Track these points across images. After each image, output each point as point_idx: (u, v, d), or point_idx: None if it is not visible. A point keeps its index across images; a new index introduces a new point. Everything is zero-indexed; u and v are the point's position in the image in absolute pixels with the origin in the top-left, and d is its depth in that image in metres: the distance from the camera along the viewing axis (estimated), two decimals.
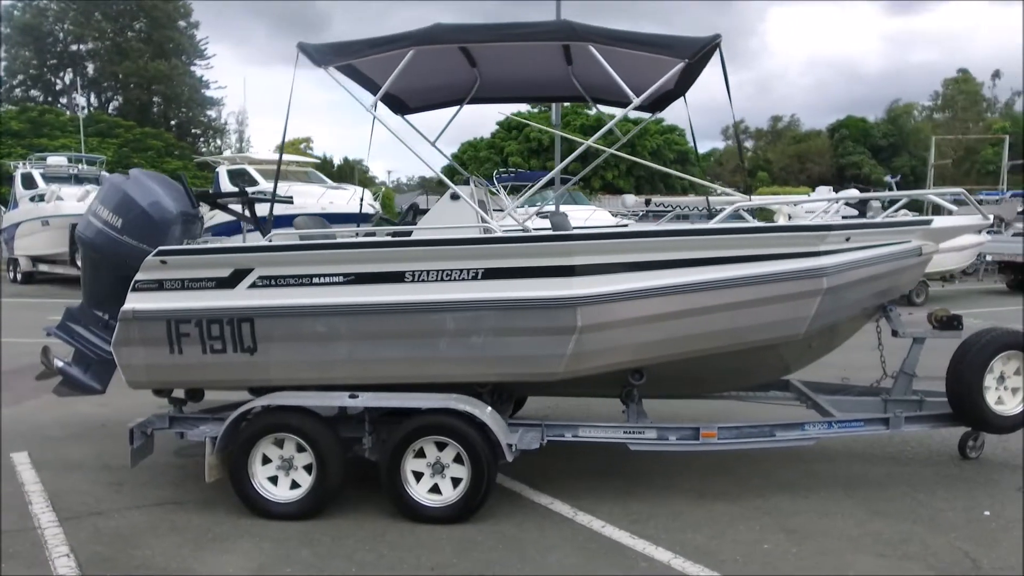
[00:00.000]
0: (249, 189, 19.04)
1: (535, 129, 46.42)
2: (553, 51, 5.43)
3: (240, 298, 4.46)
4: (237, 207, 5.95)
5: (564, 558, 3.95)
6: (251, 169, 19.49)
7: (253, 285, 4.46)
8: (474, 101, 6.39)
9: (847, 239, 4.53)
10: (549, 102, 6.79)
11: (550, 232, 4.55)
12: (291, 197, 8.74)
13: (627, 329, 4.36)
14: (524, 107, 50.41)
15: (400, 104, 6.40)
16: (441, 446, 4.38)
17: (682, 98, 5.94)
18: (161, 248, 4.55)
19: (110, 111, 42.84)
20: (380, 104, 6.21)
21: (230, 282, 4.48)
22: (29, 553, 4.04)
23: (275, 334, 4.44)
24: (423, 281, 4.37)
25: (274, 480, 4.49)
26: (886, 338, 5.26)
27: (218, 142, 51.40)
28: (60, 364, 5.49)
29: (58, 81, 44.68)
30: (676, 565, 3.85)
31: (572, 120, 47.06)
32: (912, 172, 43.41)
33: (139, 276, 4.54)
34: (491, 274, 4.33)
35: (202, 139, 48.83)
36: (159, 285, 4.53)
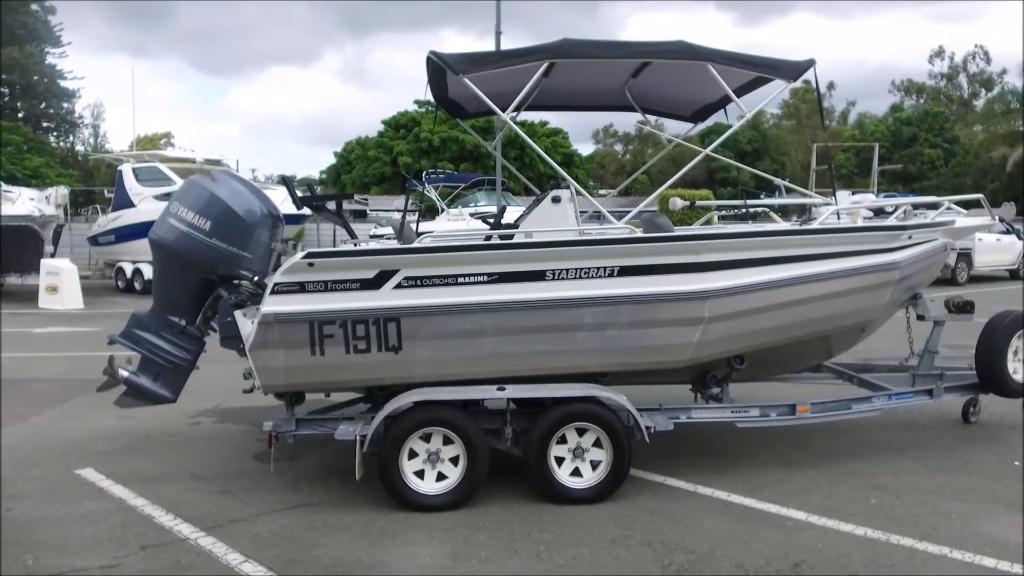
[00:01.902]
0: (168, 190, 18.14)
1: (425, 129, 46.41)
2: (623, 67, 5.90)
3: (386, 298, 4.58)
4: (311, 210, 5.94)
5: (718, 523, 4.42)
6: (164, 168, 18.46)
7: (399, 286, 4.60)
8: (530, 108, 6.71)
9: (909, 237, 5.31)
10: (599, 111, 7.21)
11: (683, 233, 5.00)
12: (366, 199, 8.64)
13: (744, 319, 4.90)
14: (411, 106, 50.33)
15: (459, 109, 6.62)
16: (581, 432, 4.73)
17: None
18: (310, 251, 4.58)
19: None
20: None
21: (375, 283, 4.59)
22: (201, 563, 4.00)
23: (421, 332, 4.61)
24: (563, 279, 4.70)
25: (420, 474, 4.66)
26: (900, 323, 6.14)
27: (71, 137, 47.52)
28: (126, 374, 5.33)
29: None
30: (815, 522, 4.43)
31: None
32: (775, 174, 47.31)
33: (279, 279, 4.55)
34: (626, 271, 4.73)
35: (55, 133, 44.98)
36: (301, 287, 4.56)
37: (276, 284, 4.56)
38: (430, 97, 6.23)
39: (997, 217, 5.91)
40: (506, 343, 4.69)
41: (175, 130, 69.28)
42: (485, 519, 4.50)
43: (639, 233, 4.85)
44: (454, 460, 4.67)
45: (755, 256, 4.87)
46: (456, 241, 4.99)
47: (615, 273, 4.72)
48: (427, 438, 4.65)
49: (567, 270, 4.69)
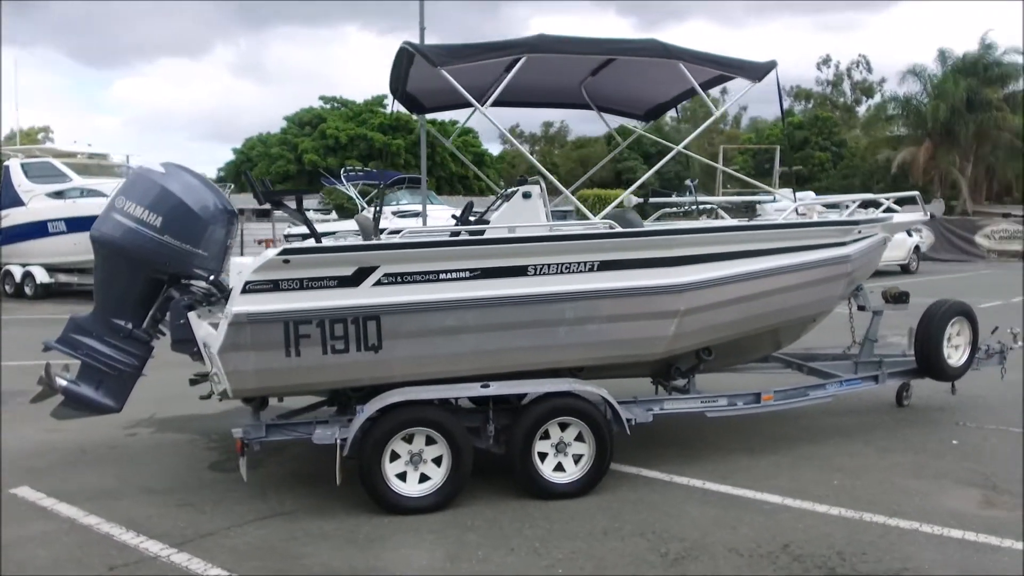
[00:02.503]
0: (64, 187, 16.91)
1: (331, 126, 45.36)
2: (583, 65, 5.95)
3: (365, 296, 4.43)
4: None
5: (701, 510, 4.53)
6: (58, 163, 17.18)
7: (378, 283, 4.45)
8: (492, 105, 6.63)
9: (859, 232, 5.61)
10: (554, 108, 7.21)
11: (661, 227, 5.07)
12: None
13: (716, 311, 5.04)
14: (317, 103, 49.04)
15: (417, 104, 6.48)
16: (563, 427, 4.73)
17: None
18: (286, 248, 4.36)
19: None
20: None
21: (354, 280, 4.43)
22: None
23: (402, 330, 4.48)
24: (544, 274, 4.68)
25: (402, 476, 4.53)
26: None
27: None
28: (64, 383, 4.97)
29: None
30: (791, 504, 4.60)
31: (369, 118, 46.69)
32: (676, 176, 49.01)
33: (251, 277, 4.31)
34: (605, 266, 4.76)
35: None
36: (274, 286, 4.34)
37: (248, 282, 4.32)
38: (384, 92, 6.09)
39: (930, 213, 6.33)
40: (488, 340, 4.63)
41: (53, 124, 64.63)
42: (472, 519, 4.43)
43: (618, 228, 4.89)
44: (437, 460, 4.57)
45: (726, 250, 5.02)
46: (436, 237, 4.88)
47: (595, 268, 4.75)
48: (409, 439, 4.53)
49: (549, 265, 4.68)
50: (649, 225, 5.56)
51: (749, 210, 7.54)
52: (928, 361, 6.07)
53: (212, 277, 5.02)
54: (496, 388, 4.62)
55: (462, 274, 4.56)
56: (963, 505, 4.57)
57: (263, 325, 4.31)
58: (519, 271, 4.65)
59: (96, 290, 5.20)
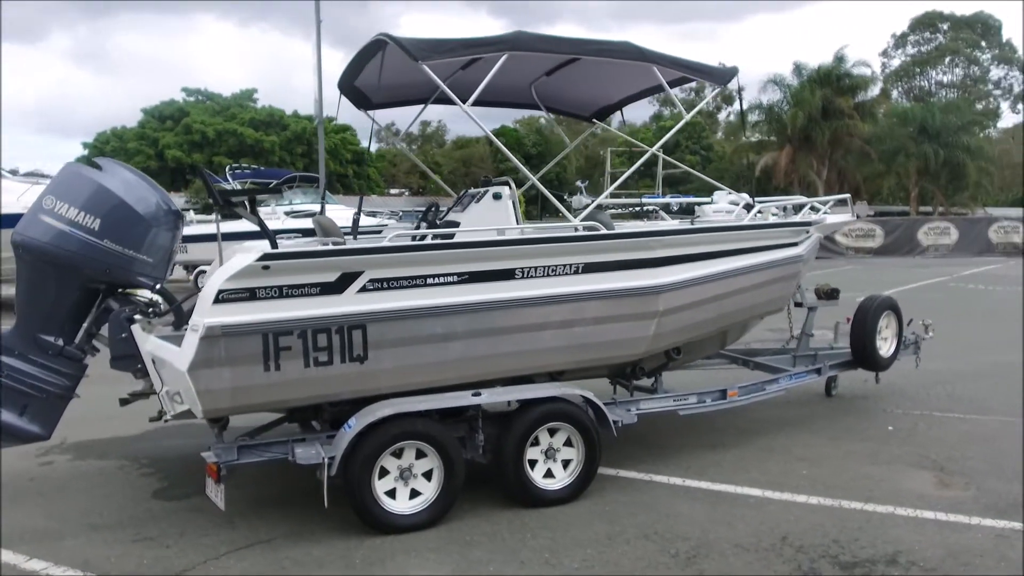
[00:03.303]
0: None
1: (196, 120, 42.81)
2: (539, 65, 5.89)
3: (350, 303, 4.15)
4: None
5: (691, 508, 4.58)
6: None
7: (363, 289, 4.18)
8: (437, 101, 6.44)
9: (807, 232, 5.88)
10: (504, 107, 7.05)
11: (642, 229, 5.07)
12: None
13: (690, 311, 5.12)
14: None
15: (363, 99, 6.18)
16: (552, 432, 4.65)
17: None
18: (266, 252, 3.99)
19: None
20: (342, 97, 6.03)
21: (337, 287, 4.14)
22: None
23: (388, 339, 4.23)
24: (532, 277, 4.58)
25: (391, 493, 4.28)
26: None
27: None
28: None
29: None
30: (772, 496, 4.75)
31: (239, 113, 44.50)
32: (556, 177, 50.05)
33: (225, 285, 3.92)
34: (589, 268, 4.72)
35: None
36: (251, 294, 3.97)
37: (221, 291, 3.92)
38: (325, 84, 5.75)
39: (856, 214, 6.75)
40: (475, 346, 4.46)
41: None
42: (470, 533, 4.25)
43: (604, 230, 4.85)
44: (427, 475, 4.35)
45: (700, 251, 5.11)
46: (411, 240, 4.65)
47: (580, 270, 4.70)
48: (398, 453, 4.29)
49: (535, 268, 4.58)
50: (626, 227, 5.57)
51: (688, 212, 7.79)
52: (864, 353, 6.48)
53: (157, 286, 4.55)
54: (488, 396, 4.46)
55: (450, 278, 4.38)
56: (922, 487, 4.89)
57: (239, 338, 3.94)
58: (507, 274, 4.52)
59: (18, 302, 4.57)
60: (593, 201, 5.67)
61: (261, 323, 3.97)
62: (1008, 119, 55.49)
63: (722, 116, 59.19)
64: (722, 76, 5.48)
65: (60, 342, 4.50)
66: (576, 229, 4.87)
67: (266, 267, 3.96)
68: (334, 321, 4.10)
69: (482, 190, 5.39)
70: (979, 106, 47.78)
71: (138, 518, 4.53)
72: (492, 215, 5.22)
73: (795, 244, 5.69)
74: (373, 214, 19.96)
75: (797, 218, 6.08)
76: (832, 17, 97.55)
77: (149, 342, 4.38)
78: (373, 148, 55.18)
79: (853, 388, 7.40)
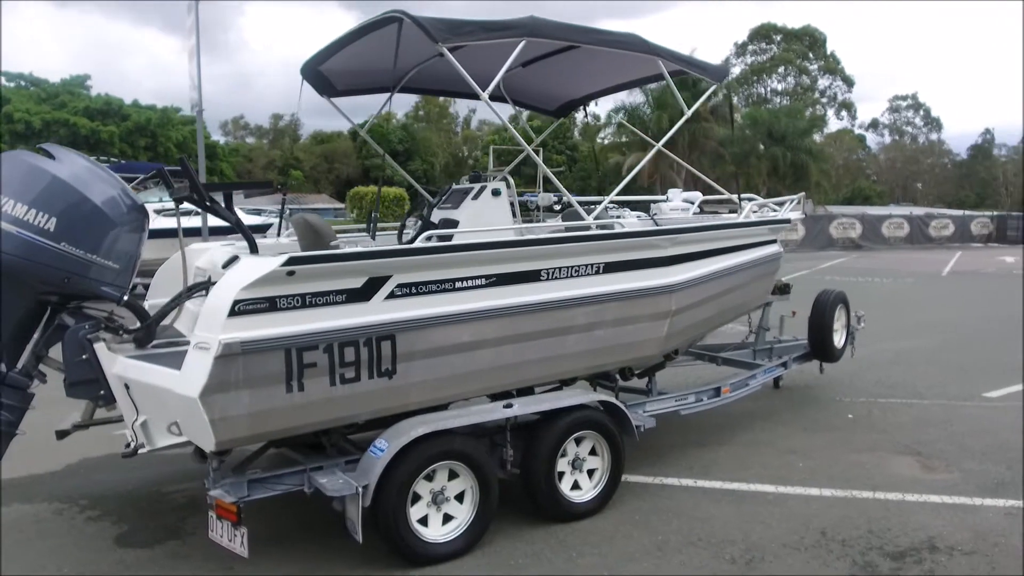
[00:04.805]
0: None
1: (19, 109, 38.40)
2: (503, 54, 5.63)
3: (378, 311, 3.70)
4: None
5: (718, 509, 4.51)
6: None
7: (391, 295, 3.75)
8: (403, 90, 6.00)
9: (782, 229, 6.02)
10: (472, 99, 6.63)
11: (659, 227, 4.91)
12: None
13: (696, 309, 5.06)
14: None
15: (327, 85, 5.62)
16: (578, 441, 4.42)
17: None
18: (292, 255, 3.45)
19: None
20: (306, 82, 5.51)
21: (364, 294, 3.68)
22: None
23: (417, 350, 3.83)
24: (556, 278, 4.32)
25: (423, 520, 3.88)
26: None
27: None
28: None
29: None
30: (786, 492, 4.78)
31: (69, 101, 40.41)
32: (425, 174, 49.45)
33: (243, 295, 3.36)
34: (609, 268, 4.53)
35: None
36: (271, 305, 3.43)
37: (238, 302, 3.36)
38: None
39: (805, 212, 7.01)
40: (503, 354, 4.15)
41: None
42: (512, 556, 3.94)
43: (624, 228, 4.67)
44: (459, 497, 3.99)
45: (705, 248, 5.06)
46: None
47: (600, 270, 4.49)
48: (431, 476, 3.89)
49: (559, 269, 4.33)
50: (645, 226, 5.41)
51: (645, 210, 7.80)
52: (822, 345, 6.74)
53: (123, 297, 3.86)
54: (520, 407, 4.16)
55: (478, 281, 4.03)
56: (912, 472, 5.12)
57: (259, 355, 3.39)
58: (532, 276, 4.23)
59: None
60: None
61: (284, 337, 3.44)
62: (833, 125, 61.16)
63: (579, 117, 60.91)
64: (717, 73, 5.49)
65: (2, 368, 3.73)
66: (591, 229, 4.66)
67: (291, 273, 3.44)
68: (362, 332, 3.65)
69: (476, 186, 5.05)
70: (808, 112, 52.19)
71: (110, 571, 3.82)
72: (491, 212, 4.91)
73: (774, 241, 5.81)
74: (258, 212, 18.69)
75: (779, 215, 6.21)
76: (679, 25, 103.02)
77: (119, 364, 3.73)
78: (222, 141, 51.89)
79: (795, 379, 7.71)
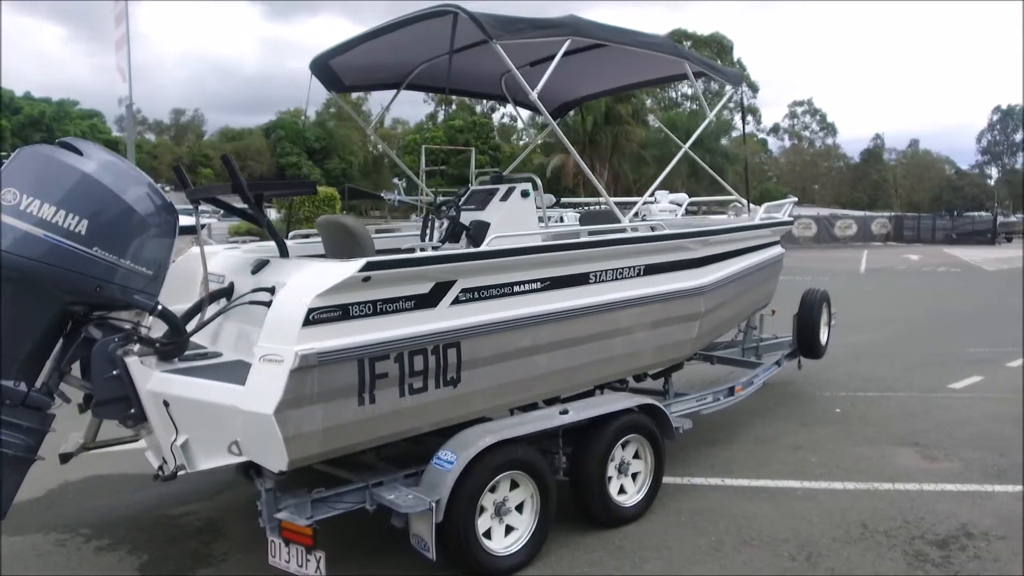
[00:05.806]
0: None
1: None
2: (514, 55, 5.58)
3: (444, 318, 3.56)
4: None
5: (759, 508, 4.58)
6: None
7: (456, 301, 3.62)
8: (410, 87, 5.81)
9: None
10: (473, 97, 6.48)
11: (694, 229, 4.92)
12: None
13: (720, 310, 5.13)
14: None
15: (335, 80, 5.38)
16: (623, 445, 4.39)
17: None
18: (369, 261, 3.25)
19: None
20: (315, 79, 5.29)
21: (431, 300, 3.53)
22: None
23: (480, 357, 3.71)
24: (603, 281, 4.29)
25: (487, 534, 3.75)
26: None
27: None
28: None
29: None
30: (811, 487, 4.90)
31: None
32: (343, 173, 48.37)
33: (317, 303, 3.15)
34: (650, 270, 4.53)
35: None
36: (344, 313, 3.24)
37: (312, 310, 3.15)
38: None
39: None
40: (556, 358, 4.08)
41: None
42: (574, 566, 3.87)
43: (667, 231, 4.67)
44: (519, 507, 3.88)
45: (729, 249, 5.14)
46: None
47: (641, 272, 4.49)
48: (494, 487, 3.77)
49: (606, 271, 4.29)
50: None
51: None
52: (811, 342, 6.97)
53: (157, 306, 3.57)
54: (575, 413, 4.09)
55: (534, 285, 3.94)
56: (917, 463, 5.36)
57: (335, 367, 3.20)
58: (582, 279, 4.18)
59: None
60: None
61: (358, 347, 3.26)
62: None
63: (496, 117, 61.25)
64: (736, 77, 5.59)
65: (22, 387, 3.37)
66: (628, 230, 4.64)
67: (367, 279, 3.25)
68: (430, 339, 3.50)
69: (503, 186, 4.95)
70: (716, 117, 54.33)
71: None
72: (520, 214, 4.83)
73: (778, 243, 5.97)
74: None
75: (781, 217, 6.38)
76: None
77: (155, 379, 3.44)
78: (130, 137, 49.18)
79: (773, 376, 7.94)
